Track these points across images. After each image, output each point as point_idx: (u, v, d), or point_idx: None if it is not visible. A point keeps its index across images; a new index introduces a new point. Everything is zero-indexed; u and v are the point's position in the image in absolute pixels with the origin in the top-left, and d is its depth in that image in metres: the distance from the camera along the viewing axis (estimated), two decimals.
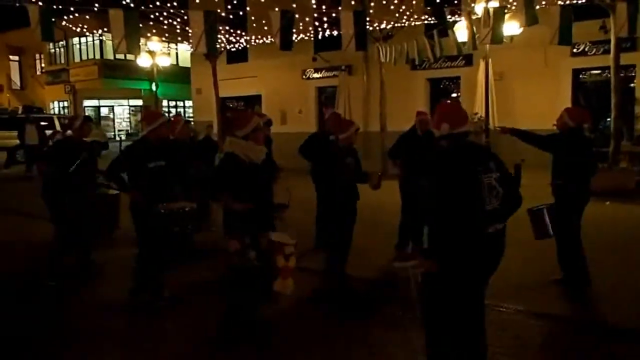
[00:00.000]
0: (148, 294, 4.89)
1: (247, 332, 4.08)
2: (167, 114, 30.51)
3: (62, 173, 5.63)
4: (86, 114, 33.42)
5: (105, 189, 6.93)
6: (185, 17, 14.09)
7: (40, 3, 9.40)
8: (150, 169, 4.70)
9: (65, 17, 21.45)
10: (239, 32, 19.51)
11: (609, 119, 12.87)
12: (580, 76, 15.74)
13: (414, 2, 15.97)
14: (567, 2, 11.48)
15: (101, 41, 31.18)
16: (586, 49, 15.06)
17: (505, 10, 10.48)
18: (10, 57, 38.58)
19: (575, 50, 15.00)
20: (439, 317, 3.16)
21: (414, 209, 6.15)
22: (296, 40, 11.18)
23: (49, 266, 5.67)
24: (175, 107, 36.61)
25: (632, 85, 14.84)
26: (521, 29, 11.50)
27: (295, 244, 3.92)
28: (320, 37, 17.30)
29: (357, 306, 4.94)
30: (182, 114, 35.04)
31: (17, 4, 10.97)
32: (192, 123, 24.58)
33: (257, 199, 3.91)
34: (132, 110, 36.53)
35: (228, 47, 20.31)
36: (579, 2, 11.91)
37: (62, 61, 34.86)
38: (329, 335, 4.34)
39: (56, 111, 34.85)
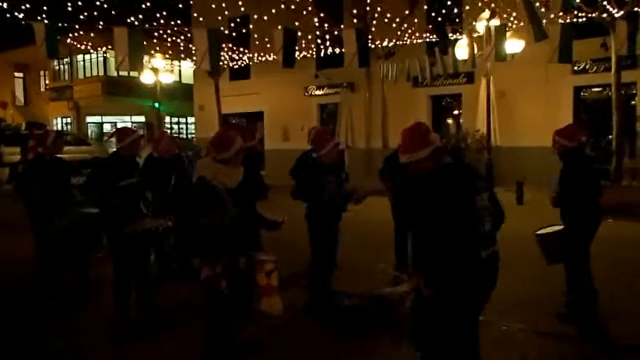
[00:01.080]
0: (136, 312, 4.84)
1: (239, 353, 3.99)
2: (169, 131, 30.68)
3: (41, 192, 5.57)
4: (89, 130, 33.69)
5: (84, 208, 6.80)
6: (189, 35, 14.27)
7: (45, 21, 9.52)
8: (122, 187, 4.62)
9: (70, 35, 21.70)
10: (241, 49, 19.71)
11: (610, 136, 12.91)
12: (582, 94, 15.80)
13: (415, 20, 16.15)
14: (568, 20, 11.60)
15: (105, 58, 31.46)
16: (587, 67, 15.13)
17: (507, 28, 10.58)
18: (15, 73, 38.90)
19: (576, 67, 15.07)
20: (436, 342, 3.05)
21: (403, 230, 6.12)
22: (298, 58, 11.28)
23: (45, 285, 5.63)
24: (178, 123, 36.78)
25: (633, 102, 14.89)
26: (522, 47, 11.62)
27: (275, 260, 3.77)
28: (322, 54, 17.48)
29: (352, 321, 4.85)
30: (185, 130, 35.24)
31: (23, 22, 11.11)
32: (194, 139, 24.70)
33: (232, 224, 3.68)
34: (135, 127, 36.71)
35: (231, 64, 20.50)
36: (580, 20, 12.03)
37: (66, 78, 35.15)
38: (325, 350, 4.32)
39: (59, 127, 35.03)
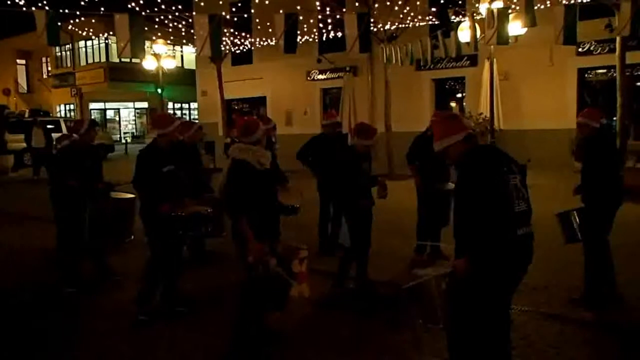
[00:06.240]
0: (160, 301, 4.85)
1: (259, 341, 4.04)
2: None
3: (71, 178, 5.58)
4: (92, 116, 33.70)
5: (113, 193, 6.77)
6: (190, 20, 14.18)
7: (46, 8, 9.47)
8: (164, 173, 4.65)
9: (72, 21, 21.59)
10: (243, 34, 19.59)
11: (614, 118, 12.82)
12: (586, 75, 15.69)
13: (418, 3, 15.99)
14: (572, 2, 11.45)
15: (107, 44, 31.39)
16: (591, 48, 15.00)
17: (510, 11, 10.46)
18: (18, 61, 38.87)
19: (580, 49, 14.95)
20: (466, 324, 3.09)
21: (429, 211, 6.20)
22: (301, 42, 11.18)
23: (64, 272, 5.67)
24: (181, 109, 36.75)
25: (638, 84, 14.78)
26: (526, 29, 11.50)
27: (307, 247, 3.93)
28: (324, 38, 17.34)
29: (373, 310, 4.89)
30: (188, 116, 35.21)
31: (24, 9, 11.07)
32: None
33: (269, 205, 3.86)
34: (138, 113, 36.72)
35: (233, 49, 20.38)
36: (584, 1, 11.87)
37: (69, 64, 35.08)
38: (341, 339, 4.33)
39: (63, 114, 35.06)
